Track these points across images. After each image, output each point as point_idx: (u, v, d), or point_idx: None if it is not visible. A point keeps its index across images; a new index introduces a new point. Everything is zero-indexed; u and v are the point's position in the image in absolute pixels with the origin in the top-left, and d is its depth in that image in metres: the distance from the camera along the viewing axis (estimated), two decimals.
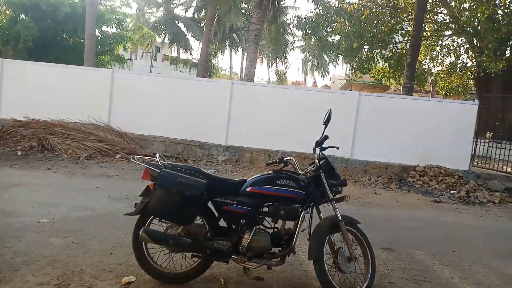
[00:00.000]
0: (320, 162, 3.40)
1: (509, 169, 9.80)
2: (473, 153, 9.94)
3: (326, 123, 3.40)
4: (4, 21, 15.38)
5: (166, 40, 36.29)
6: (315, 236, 3.21)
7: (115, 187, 6.50)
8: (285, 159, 3.43)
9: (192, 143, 10.24)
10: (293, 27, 18.57)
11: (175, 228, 3.21)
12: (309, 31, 18.09)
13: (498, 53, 15.62)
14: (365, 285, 3.27)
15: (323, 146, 3.44)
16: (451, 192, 8.36)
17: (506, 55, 15.84)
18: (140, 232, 3.08)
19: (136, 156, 3.35)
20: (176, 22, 34.46)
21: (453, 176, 8.93)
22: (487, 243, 5.15)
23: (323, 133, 3.41)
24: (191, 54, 38.01)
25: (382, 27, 16.55)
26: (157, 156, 3.23)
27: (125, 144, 9.85)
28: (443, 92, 20.91)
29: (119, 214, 4.95)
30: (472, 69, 17.61)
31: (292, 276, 3.56)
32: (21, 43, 15.22)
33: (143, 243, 3.20)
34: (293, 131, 9.95)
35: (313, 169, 3.41)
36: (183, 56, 38.08)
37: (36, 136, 9.27)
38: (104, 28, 18.21)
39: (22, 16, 15.76)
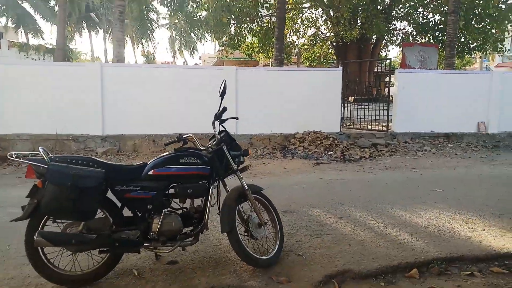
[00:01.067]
0: (221, 135, 3.40)
1: (371, 127, 11.14)
2: (342, 116, 11.01)
3: (222, 94, 3.36)
4: None
5: (10, 24, 31.78)
6: (225, 209, 3.23)
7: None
8: (184, 136, 3.34)
9: (64, 137, 9.27)
10: (157, 3, 17.90)
11: (75, 226, 2.91)
12: (174, 8, 17.70)
13: (352, 22, 17.38)
14: (276, 247, 3.43)
15: (222, 118, 3.42)
16: (329, 153, 9.17)
17: (358, 24, 17.73)
18: (35, 237, 2.73)
19: (14, 153, 2.89)
20: (20, 2, 30.28)
21: (328, 139, 9.79)
22: (368, 193, 5.81)
23: (220, 105, 3.38)
24: (42, 38, 34.06)
25: (248, 1, 16.99)
26: (40, 150, 2.85)
27: None
28: (308, 63, 22.62)
29: None
30: (332, 39, 19.30)
31: (205, 253, 3.55)
32: None
33: (39, 248, 2.84)
34: (176, 112, 9.73)
35: (214, 143, 3.39)
36: (33, 41, 33.90)
37: None
38: None
39: None
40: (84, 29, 35.18)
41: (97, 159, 2.97)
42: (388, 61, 13.00)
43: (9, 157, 2.94)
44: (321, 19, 20.04)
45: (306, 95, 10.38)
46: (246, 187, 3.34)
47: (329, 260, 3.38)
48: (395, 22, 18.99)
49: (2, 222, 4.35)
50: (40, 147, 2.93)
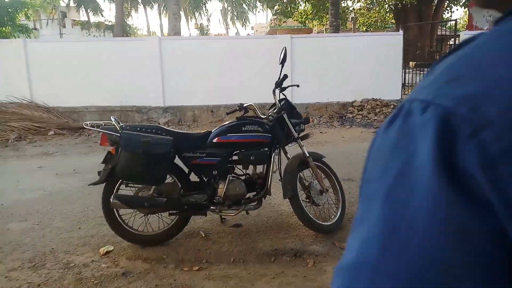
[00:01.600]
0: (281, 103, 3.41)
1: None
2: (403, 82, 10.54)
3: (283, 62, 3.34)
4: None
5: (71, 4, 33.25)
6: (287, 175, 3.27)
7: (58, 164, 6.08)
8: (245, 105, 3.39)
9: (128, 108, 9.73)
10: None
11: (146, 189, 3.10)
12: None
13: None
14: (338, 213, 3.44)
15: (282, 86, 3.42)
16: None
17: None
18: (111, 200, 2.94)
19: (88, 122, 3.11)
20: None
21: (388, 106, 9.47)
22: None
23: (280, 73, 3.37)
24: (102, 15, 35.40)
25: None
26: (112, 119, 3.03)
27: (56, 119, 9.15)
28: (364, 28, 21.70)
29: (73, 189, 4.68)
30: (390, 2, 18.31)
31: (268, 217, 3.65)
32: None
33: (115, 210, 3.06)
34: (232, 82, 9.81)
35: (275, 111, 3.41)
36: (94, 19, 35.31)
37: None
38: None
39: None
40: (139, 4, 35.99)
41: (165, 127, 3.12)
42: (453, 22, 12.11)
43: (84, 126, 3.16)
44: None
45: (364, 62, 10.01)
46: (307, 155, 3.35)
47: None
48: None
49: (79, 187, 4.71)
50: (111, 116, 3.12)
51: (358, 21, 22.15)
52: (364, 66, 10.01)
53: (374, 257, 0.33)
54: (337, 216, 3.40)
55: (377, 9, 20.02)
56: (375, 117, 9.13)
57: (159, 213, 3.21)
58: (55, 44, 10.58)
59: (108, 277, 2.66)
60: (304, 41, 10.33)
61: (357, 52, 10.01)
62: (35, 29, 32.79)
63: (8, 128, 8.34)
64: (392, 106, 9.50)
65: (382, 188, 0.34)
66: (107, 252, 3.01)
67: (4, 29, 16.62)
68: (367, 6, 20.09)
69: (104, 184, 3.04)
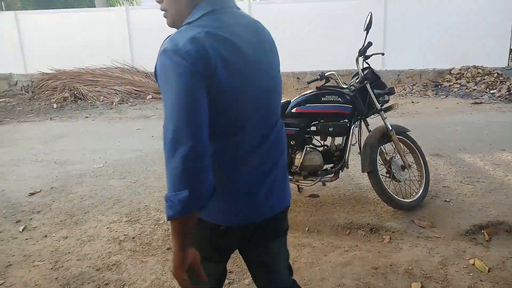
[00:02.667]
0: (365, 72, 3.28)
1: None
2: (511, 47, 9.39)
3: (368, 28, 3.17)
4: None
5: None
6: (366, 148, 3.19)
7: (154, 127, 6.62)
8: (326, 74, 3.33)
9: None
10: None
11: None
12: None
13: None
14: (420, 191, 3.30)
15: (366, 54, 3.28)
16: (491, 91, 8.07)
17: None
18: None
19: None
20: None
21: (492, 75, 8.57)
22: None
23: (365, 40, 3.22)
24: None
25: None
26: None
27: (154, 84, 9.85)
28: None
29: None
30: None
31: (345, 190, 3.64)
32: None
33: None
34: (320, 48, 9.60)
35: (357, 80, 3.30)
36: None
37: (67, 86, 9.37)
38: None
39: None
40: None
41: None
42: None
43: None
44: None
45: (464, 23, 9.06)
46: (390, 128, 3.22)
47: (479, 210, 3.14)
48: None
49: None
50: None
51: None
52: (466, 28, 9.10)
53: (167, 118, 1.02)
54: (419, 194, 3.27)
55: None
56: (475, 87, 8.33)
57: None
58: (154, 11, 11.19)
59: None
60: (399, 0, 9.62)
61: (458, 11, 9.08)
62: None
63: (112, 92, 9.21)
64: (496, 75, 8.57)
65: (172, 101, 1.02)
66: None
67: None
68: None
69: None
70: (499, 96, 7.77)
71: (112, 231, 3.01)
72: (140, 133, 6.20)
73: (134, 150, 5.19)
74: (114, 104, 8.79)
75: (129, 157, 4.91)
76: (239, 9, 1.30)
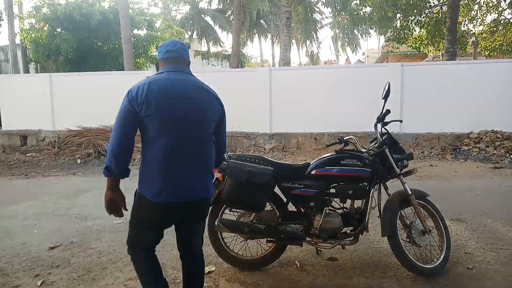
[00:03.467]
0: (383, 138, 3.37)
1: None
2: None
3: (386, 97, 3.32)
4: (44, 37, 16.07)
5: (194, 36, 36.50)
6: (386, 212, 3.20)
7: None
8: (345, 138, 3.42)
9: (238, 134, 10.36)
10: (321, 4, 18.18)
11: (247, 216, 3.31)
12: (338, 7, 17.70)
13: None
14: (442, 257, 3.24)
15: (385, 121, 3.39)
16: (511, 156, 8.01)
17: None
18: (216, 222, 3.21)
19: None
20: (203, 16, 34.63)
21: (511, 140, 8.55)
22: None
23: (383, 108, 3.35)
24: (221, 46, 38.21)
25: None
26: None
27: None
28: (487, 53, 19.90)
29: None
30: None
31: (364, 254, 3.59)
32: (62, 56, 15.87)
33: (219, 232, 3.32)
34: (337, 111, 9.83)
35: (376, 145, 3.38)
36: (213, 49, 38.31)
37: (91, 143, 9.72)
38: (135, 31, 18.62)
39: (59, 29, 16.36)
40: (254, 35, 38.09)
41: (267, 158, 3.31)
42: None
43: None
44: (505, 2, 17.36)
45: (483, 90, 9.24)
46: (410, 192, 3.24)
47: (504, 279, 3.04)
48: None
49: None
50: None
51: (479, 45, 20.46)
52: (483, 95, 9.26)
53: (115, 131, 2.11)
54: (440, 259, 3.20)
55: (502, 32, 18.27)
56: (495, 151, 8.30)
57: (258, 239, 3.39)
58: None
59: None
60: (416, 68, 9.95)
61: (475, 80, 9.33)
62: None
63: (135, 149, 9.44)
64: None
65: (118, 115, 2.12)
66: (209, 272, 3.26)
67: (138, 60, 19.00)
68: (490, 29, 18.46)
69: (211, 208, 3.33)
70: None
71: None
72: None
73: None
74: (135, 160, 9.01)
75: None
76: (191, 74, 2.35)
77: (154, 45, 20.01)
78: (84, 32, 16.44)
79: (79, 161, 9.12)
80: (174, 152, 2.15)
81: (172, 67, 2.27)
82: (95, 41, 17.59)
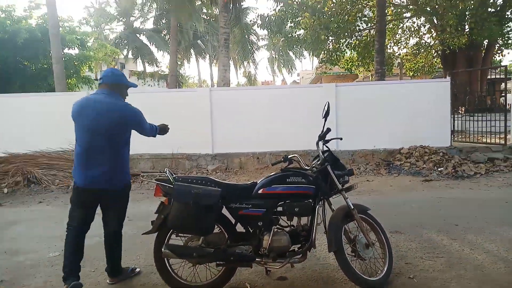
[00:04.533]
0: (325, 155, 3.49)
1: (487, 140, 10.19)
2: (452, 128, 10.28)
3: (326, 116, 3.46)
4: None
5: (130, 55, 35.67)
6: (331, 228, 3.29)
7: None
8: (289, 156, 3.49)
9: (179, 156, 10.17)
10: (257, 26, 18.67)
11: (195, 240, 3.23)
12: (273, 29, 18.28)
13: (459, 28, 16.17)
14: (385, 268, 3.37)
15: (326, 139, 3.52)
16: (439, 169, 8.63)
17: (467, 30, 16.45)
18: (162, 249, 3.10)
19: (144, 174, 3.36)
20: (138, 35, 34.00)
21: (438, 154, 9.23)
22: (485, 213, 5.37)
23: (324, 126, 3.49)
24: (157, 66, 37.64)
25: (346, 17, 16.86)
26: (167, 171, 3.24)
27: None
28: (411, 73, 21.54)
29: (126, 236, 4.84)
30: (436, 47, 18.18)
31: (313, 271, 3.64)
32: None
33: (166, 259, 3.20)
34: (278, 130, 10.02)
35: (318, 162, 3.48)
36: (149, 69, 37.66)
37: (19, 170, 9.02)
38: (66, 50, 17.82)
39: None
40: (191, 55, 38.02)
41: (213, 178, 3.27)
42: (503, 68, 11.73)
43: (141, 178, 3.40)
44: (424, 28, 19.00)
45: (411, 109, 9.95)
46: (352, 207, 3.36)
47: (442, 285, 3.23)
48: (510, 24, 17.14)
49: (132, 234, 4.95)
50: (166, 168, 3.34)
51: (404, 66, 22.10)
52: (411, 113, 9.94)
53: (146, 124, 3.57)
54: (384, 271, 3.33)
55: (424, 54, 19.91)
56: (424, 165, 8.90)
57: (207, 264, 3.32)
58: None
59: None
60: (349, 89, 10.48)
61: (404, 99, 10.00)
62: (96, 79, 35.39)
63: (69, 175, 8.94)
64: (441, 154, 9.25)
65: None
66: None
67: (70, 80, 18.13)
68: (413, 51, 20.03)
69: (156, 234, 3.22)
70: (446, 174, 8.32)
71: None
72: (98, 218, 5.92)
73: (93, 236, 4.91)
74: (70, 187, 8.50)
75: (87, 243, 4.63)
76: (104, 94, 3.40)
77: (87, 65, 19.28)
78: (9, 51, 15.45)
79: (6, 190, 8.41)
80: (87, 151, 3.30)
81: (98, 91, 3.48)
82: (22, 60, 16.60)
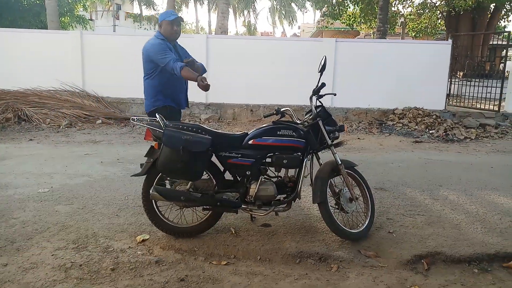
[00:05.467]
0: (317, 110, 3.48)
1: (481, 106, 10.23)
2: (448, 92, 10.26)
3: (322, 70, 3.41)
4: None
5: None
6: (317, 181, 3.35)
7: (104, 152, 6.46)
8: (281, 110, 3.49)
9: None
10: None
11: (183, 184, 3.29)
12: None
13: None
14: (366, 222, 3.48)
15: (320, 94, 3.49)
16: (430, 131, 8.71)
17: None
18: (151, 191, 3.15)
19: (135, 117, 3.34)
20: None
21: (431, 116, 9.27)
22: (469, 176, 5.49)
23: (319, 81, 3.44)
24: (154, 9, 36.49)
25: None
26: (157, 116, 3.22)
27: (104, 109, 9.65)
28: (413, 34, 21.13)
29: (115, 177, 4.99)
30: (442, 8, 17.73)
31: (296, 220, 3.75)
32: None
33: (154, 201, 3.27)
34: (274, 83, 9.94)
35: (310, 117, 3.48)
36: (146, 12, 36.51)
37: (10, 107, 8.94)
38: None
39: None
40: (190, 0, 36.78)
41: (205, 126, 3.28)
42: (506, 34, 11.53)
43: (131, 121, 3.39)
44: None
45: (409, 69, 9.85)
46: (340, 162, 3.41)
47: (420, 241, 3.36)
48: None
49: (121, 176, 5.02)
50: (157, 114, 3.32)
51: (407, 26, 21.63)
52: (409, 73, 9.85)
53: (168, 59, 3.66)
54: (365, 225, 3.45)
55: (428, 15, 19.43)
56: (416, 127, 8.96)
57: (194, 207, 3.40)
58: (108, 37, 11.13)
59: (142, 263, 2.86)
60: (349, 45, 10.29)
61: (403, 59, 9.88)
62: (91, 19, 34.29)
63: (60, 115, 8.90)
64: (434, 116, 9.29)
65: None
66: (143, 240, 3.22)
67: (63, 19, 17.54)
68: (418, 11, 19.53)
69: (145, 176, 3.26)
70: (437, 136, 8.40)
71: (58, 258, 2.89)
72: (88, 158, 6.02)
73: (82, 176, 5.03)
74: (61, 127, 8.49)
75: (76, 182, 4.75)
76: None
77: (81, 4, 18.62)
78: None
79: None
80: None
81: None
82: None
